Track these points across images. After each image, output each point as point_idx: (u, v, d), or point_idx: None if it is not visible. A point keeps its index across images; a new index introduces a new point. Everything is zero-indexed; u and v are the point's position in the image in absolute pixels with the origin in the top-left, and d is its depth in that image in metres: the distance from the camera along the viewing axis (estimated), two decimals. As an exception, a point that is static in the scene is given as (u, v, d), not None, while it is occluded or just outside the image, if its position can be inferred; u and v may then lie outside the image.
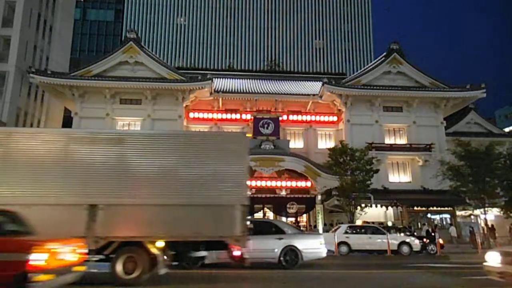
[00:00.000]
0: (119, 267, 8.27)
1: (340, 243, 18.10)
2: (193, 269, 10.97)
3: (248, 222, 13.41)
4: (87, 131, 10.18)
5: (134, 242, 8.42)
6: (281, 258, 11.86)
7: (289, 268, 11.64)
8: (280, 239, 12.11)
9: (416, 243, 18.94)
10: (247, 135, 9.87)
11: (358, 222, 24.55)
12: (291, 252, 11.95)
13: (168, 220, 8.57)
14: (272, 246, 11.98)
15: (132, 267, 8.30)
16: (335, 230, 19.34)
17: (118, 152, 8.92)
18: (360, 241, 18.41)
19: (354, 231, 18.96)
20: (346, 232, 18.66)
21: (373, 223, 26.88)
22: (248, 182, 9.39)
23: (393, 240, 18.63)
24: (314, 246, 12.40)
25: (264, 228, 12.86)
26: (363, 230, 19.27)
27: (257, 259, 12.08)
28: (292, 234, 12.45)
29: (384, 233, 18.89)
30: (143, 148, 9.01)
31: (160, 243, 8.51)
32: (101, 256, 8.37)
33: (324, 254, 12.59)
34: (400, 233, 20.91)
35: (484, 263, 7.70)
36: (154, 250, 8.38)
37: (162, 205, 8.62)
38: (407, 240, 18.99)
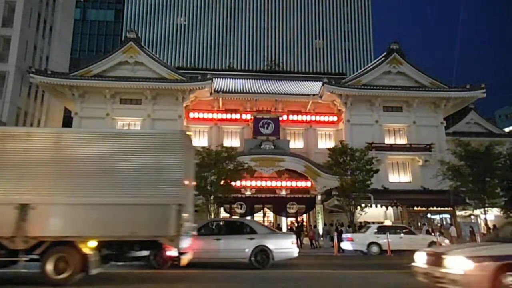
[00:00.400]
0: (49, 267, 8.15)
1: (370, 244, 18.27)
2: (162, 269, 10.99)
3: (213, 222, 13.55)
4: (21, 129, 9.96)
5: (66, 242, 8.31)
6: (252, 258, 11.78)
7: (260, 268, 11.56)
8: (251, 239, 12.03)
9: (446, 242, 18.97)
10: (188, 133, 9.62)
11: (388, 222, 24.64)
12: (262, 252, 11.89)
13: (101, 219, 8.47)
14: (243, 246, 11.92)
15: (63, 267, 8.18)
16: (365, 231, 19.54)
17: (53, 150, 8.81)
18: (391, 241, 18.45)
19: (384, 232, 19.01)
20: (376, 233, 18.79)
21: (373, 223, 26.94)
22: (186, 182, 9.10)
23: (422, 240, 18.82)
24: (285, 246, 12.34)
25: (235, 228, 12.85)
26: (393, 231, 19.31)
27: (228, 259, 12.07)
28: (263, 234, 12.35)
29: (414, 233, 19.26)
30: (78, 147, 8.91)
31: (93, 243, 8.41)
32: (32, 256, 8.27)
33: (295, 254, 12.53)
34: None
35: (412, 263, 7.64)
36: (86, 250, 8.26)
37: (95, 205, 8.51)
38: (435, 239, 19.07)
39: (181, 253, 9.21)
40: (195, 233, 10.81)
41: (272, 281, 9.86)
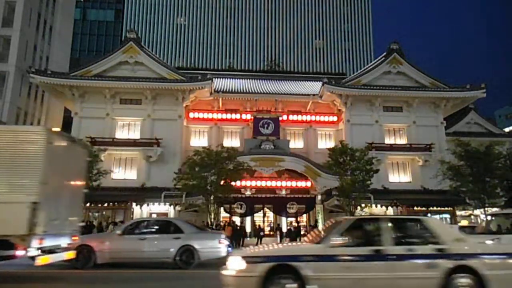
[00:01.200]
0: None
1: None
2: (83, 269, 10.90)
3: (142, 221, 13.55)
4: None
5: None
6: (177, 258, 11.66)
7: (184, 268, 11.44)
8: (177, 238, 11.91)
9: None
10: (55, 129, 9.27)
11: (464, 222, 24.15)
12: (188, 252, 11.76)
13: None
14: (168, 246, 11.79)
15: None
16: None
17: None
18: None
19: None
20: None
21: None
22: (49, 180, 8.71)
23: None
24: (212, 246, 12.21)
25: (162, 228, 12.72)
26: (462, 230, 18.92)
27: (153, 259, 11.92)
28: (190, 234, 12.19)
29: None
30: None
31: None
32: None
33: (223, 254, 12.17)
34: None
35: None
36: None
37: None
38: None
39: (44, 252, 8.81)
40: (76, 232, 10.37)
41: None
